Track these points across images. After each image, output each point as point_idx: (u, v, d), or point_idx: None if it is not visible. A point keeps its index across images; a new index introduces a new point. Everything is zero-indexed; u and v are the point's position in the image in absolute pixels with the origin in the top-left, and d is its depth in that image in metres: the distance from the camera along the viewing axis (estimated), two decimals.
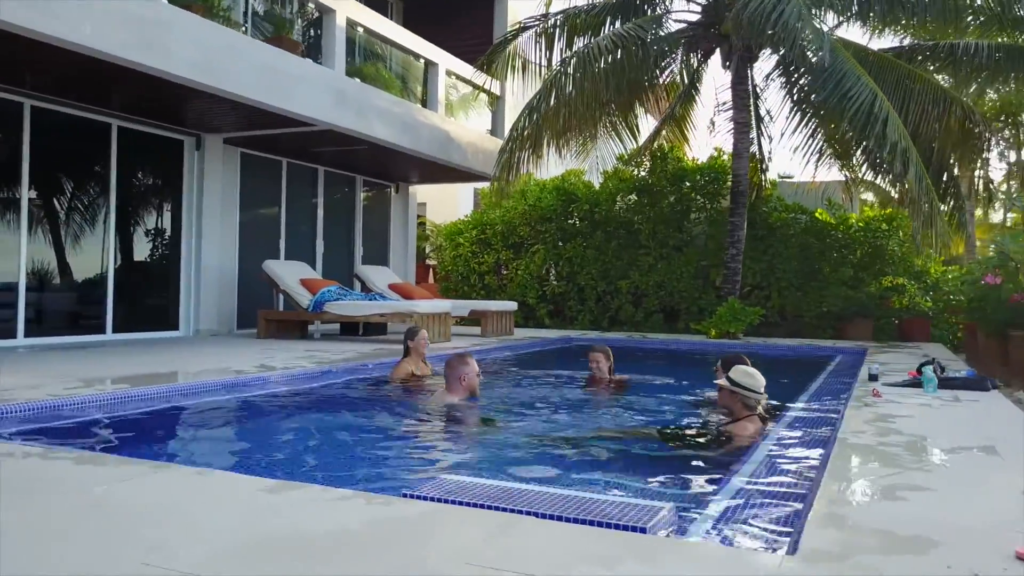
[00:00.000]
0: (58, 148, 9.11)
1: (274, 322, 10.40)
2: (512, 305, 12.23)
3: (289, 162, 12.26)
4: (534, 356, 10.10)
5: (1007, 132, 16.64)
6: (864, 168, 13.26)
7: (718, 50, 12.83)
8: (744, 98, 12.42)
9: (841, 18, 12.35)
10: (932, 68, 12.32)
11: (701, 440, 4.66)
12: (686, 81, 13.96)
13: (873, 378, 6.39)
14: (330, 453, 4.35)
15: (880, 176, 13.60)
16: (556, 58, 12.93)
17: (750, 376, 4.59)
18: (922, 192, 10.19)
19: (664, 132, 14.45)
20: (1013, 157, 16.41)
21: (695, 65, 13.75)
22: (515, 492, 2.72)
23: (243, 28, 9.45)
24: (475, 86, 13.86)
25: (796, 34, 9.99)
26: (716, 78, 26.50)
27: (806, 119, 12.71)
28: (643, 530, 2.37)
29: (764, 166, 13.60)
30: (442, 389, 5.74)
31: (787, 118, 12.80)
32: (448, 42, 13.70)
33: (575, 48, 12.67)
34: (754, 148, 13.09)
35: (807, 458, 3.73)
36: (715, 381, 4.96)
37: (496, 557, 2.15)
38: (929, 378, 5.76)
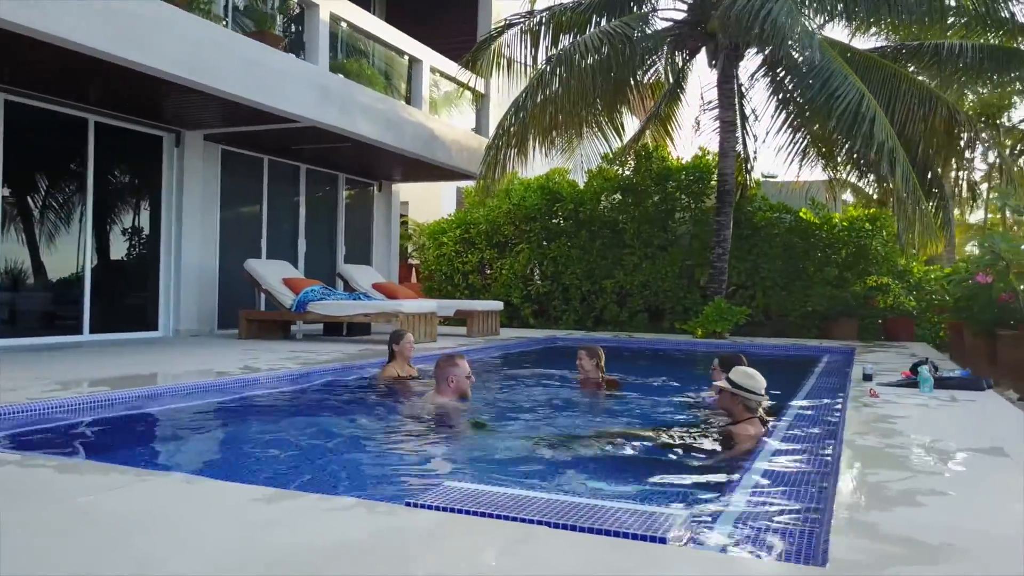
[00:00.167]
0: (33, 144, 8.86)
1: (256, 322, 10.21)
2: (498, 305, 12.11)
3: (271, 159, 12.06)
4: (522, 356, 9.99)
5: (985, 135, 16.77)
6: (848, 168, 13.29)
7: (704, 49, 12.79)
8: (730, 97, 12.39)
9: (827, 16, 12.35)
10: (913, 69, 12.35)
11: (701, 443, 4.56)
12: (671, 80, 13.91)
13: (867, 378, 6.35)
14: (320, 458, 4.21)
15: (863, 176, 13.66)
16: (541, 56, 12.84)
17: (751, 378, 4.50)
18: (909, 192, 10.20)
19: (649, 131, 14.40)
20: (991, 158, 16.54)
21: (680, 64, 13.70)
22: (524, 500, 2.61)
23: (224, 23, 9.25)
24: (460, 83, 13.72)
25: (784, 32, 9.95)
26: (702, 77, 26.61)
27: (791, 118, 12.72)
28: (662, 540, 2.27)
29: (749, 165, 13.59)
30: (432, 391, 5.60)
31: (772, 117, 12.82)
32: (432, 39, 13.55)
33: (561, 46, 12.58)
34: (739, 147, 13.07)
35: (816, 461, 3.65)
36: (715, 383, 4.87)
37: (514, 570, 2.03)
38: (925, 378, 5.71)
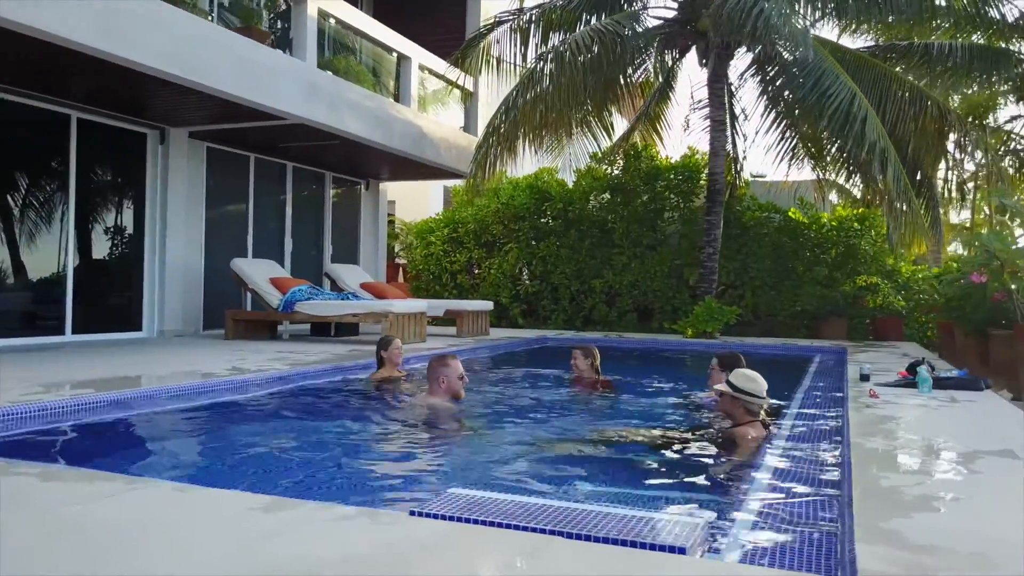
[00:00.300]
0: (13, 140, 8.65)
1: (242, 322, 10.04)
2: (488, 305, 11.99)
3: (257, 157, 11.88)
4: (513, 356, 9.90)
5: (973, 135, 16.82)
6: (838, 167, 13.29)
7: (694, 47, 12.74)
8: (721, 96, 12.34)
9: (820, 13, 12.34)
10: (902, 68, 12.35)
11: (703, 446, 4.48)
12: (661, 79, 13.86)
13: (865, 378, 6.29)
14: (314, 464, 4.09)
15: (852, 177, 13.65)
16: (531, 54, 12.74)
17: (752, 381, 4.41)
18: (900, 192, 10.19)
19: (638, 130, 14.34)
20: (979, 157, 16.61)
21: (670, 63, 13.65)
22: (534, 508, 2.50)
23: (209, 17, 9.08)
24: (448, 81, 13.60)
25: (777, 30, 9.91)
26: (691, 76, 26.57)
27: (780, 117, 12.70)
28: (682, 550, 2.17)
29: (739, 165, 13.56)
30: (424, 392, 5.49)
31: (761, 116, 12.79)
32: (421, 36, 13.41)
33: (550, 44, 12.48)
34: (728, 147, 13.03)
35: (824, 465, 3.57)
36: (714, 386, 4.79)
37: None
38: (924, 378, 5.67)
